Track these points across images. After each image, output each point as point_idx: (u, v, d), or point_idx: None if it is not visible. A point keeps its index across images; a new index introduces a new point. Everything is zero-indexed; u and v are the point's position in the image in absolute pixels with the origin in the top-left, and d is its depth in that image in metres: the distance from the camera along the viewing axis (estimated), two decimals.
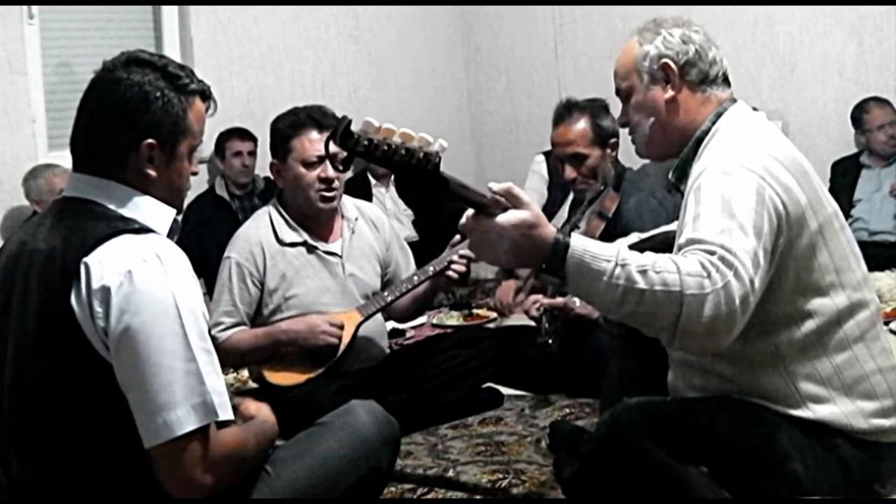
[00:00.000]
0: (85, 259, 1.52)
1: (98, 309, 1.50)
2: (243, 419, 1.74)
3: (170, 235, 1.65)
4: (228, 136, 5.00)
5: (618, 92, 2.01)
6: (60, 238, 1.56)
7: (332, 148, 1.44)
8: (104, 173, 1.62)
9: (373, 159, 1.42)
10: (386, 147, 1.41)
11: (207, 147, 5.03)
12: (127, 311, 1.48)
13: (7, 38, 4.47)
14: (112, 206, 1.61)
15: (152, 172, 1.63)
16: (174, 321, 1.50)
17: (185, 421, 1.48)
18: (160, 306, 1.50)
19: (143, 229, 1.58)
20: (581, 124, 3.25)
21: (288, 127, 2.97)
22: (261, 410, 1.78)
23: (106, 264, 1.51)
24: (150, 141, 1.61)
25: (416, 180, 1.46)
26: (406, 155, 1.42)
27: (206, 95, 1.70)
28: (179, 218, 1.71)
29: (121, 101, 1.61)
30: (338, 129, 1.39)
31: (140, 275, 1.50)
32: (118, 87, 1.62)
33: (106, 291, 1.49)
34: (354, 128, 1.40)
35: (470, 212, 1.59)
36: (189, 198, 4.88)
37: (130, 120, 1.61)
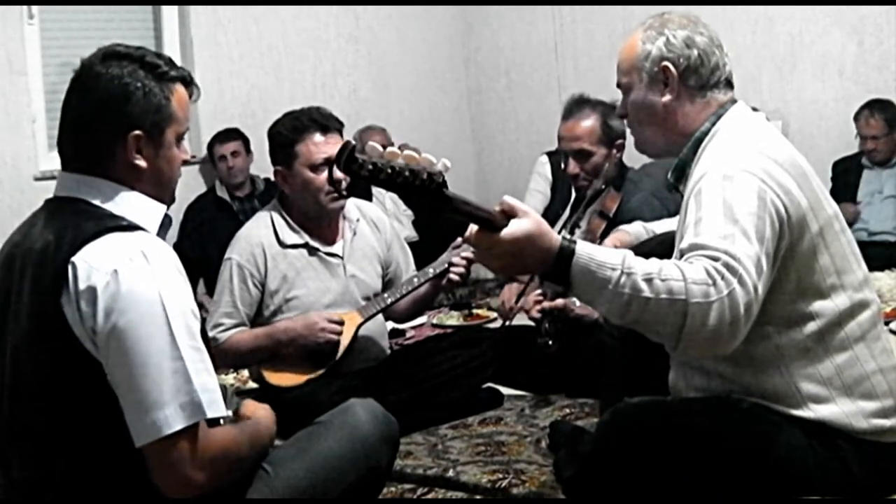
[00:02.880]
0: (72, 259, 1.52)
1: (85, 309, 1.50)
2: (243, 419, 1.74)
3: (162, 230, 1.65)
4: (213, 142, 5.01)
5: (618, 85, 2.01)
6: (51, 238, 1.56)
7: (337, 174, 1.46)
8: (92, 171, 1.62)
9: (377, 182, 1.44)
10: (390, 170, 1.43)
11: (202, 147, 5.04)
12: (113, 311, 1.48)
13: (7, 38, 4.47)
14: (101, 204, 1.61)
15: (142, 163, 1.63)
16: (161, 320, 1.50)
17: (173, 420, 1.48)
18: (147, 306, 1.49)
19: (132, 226, 1.58)
20: (590, 121, 3.25)
21: (290, 132, 2.95)
22: (257, 411, 1.78)
23: (92, 264, 1.51)
24: (136, 132, 1.61)
25: (419, 200, 1.48)
26: (410, 176, 1.44)
27: (187, 81, 1.70)
28: (170, 212, 1.71)
29: (102, 97, 1.61)
30: (342, 154, 1.41)
31: (126, 274, 1.50)
32: (98, 82, 1.62)
33: (92, 291, 1.49)
34: (358, 151, 1.42)
35: (473, 227, 1.59)
36: (190, 198, 4.93)
37: (113, 114, 1.61)
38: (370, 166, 1.42)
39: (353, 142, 1.43)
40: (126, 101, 1.61)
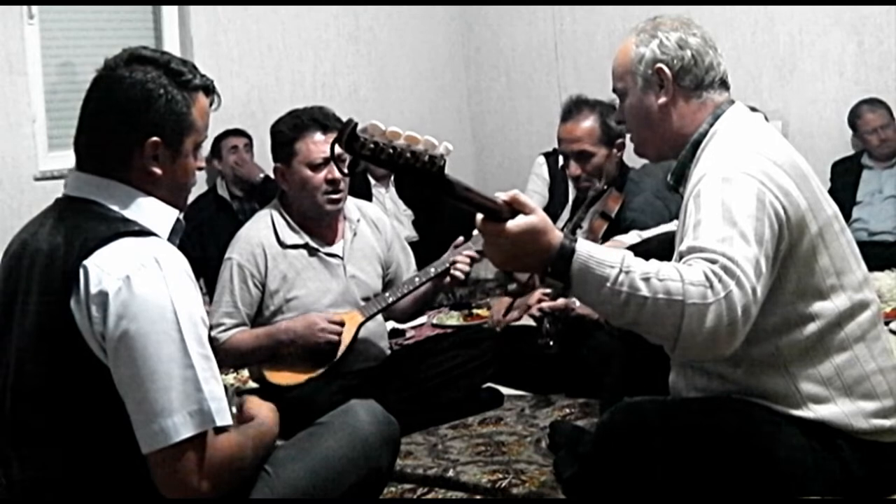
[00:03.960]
0: (84, 262, 1.51)
1: (96, 314, 1.49)
2: (246, 419, 1.74)
3: (173, 236, 1.64)
4: (222, 136, 5.04)
5: (615, 90, 2.02)
6: (61, 239, 1.56)
7: (338, 151, 1.44)
8: (107, 173, 1.62)
9: (378, 162, 1.42)
10: (391, 150, 1.41)
11: (206, 147, 5.04)
12: (124, 317, 1.48)
13: (7, 38, 4.47)
14: (113, 207, 1.60)
15: (157, 170, 1.62)
16: (172, 327, 1.49)
17: (182, 428, 1.48)
18: (158, 312, 1.49)
19: (144, 232, 1.57)
20: (589, 122, 3.26)
21: (290, 130, 2.96)
22: (261, 411, 1.77)
23: (104, 269, 1.50)
24: (154, 139, 1.61)
25: (420, 183, 1.46)
26: (411, 158, 1.42)
27: (209, 90, 1.69)
28: (182, 217, 1.70)
29: (123, 100, 1.61)
30: (344, 132, 1.39)
31: (138, 280, 1.49)
32: (120, 85, 1.61)
33: (104, 296, 1.49)
34: (360, 130, 1.40)
35: (480, 216, 1.58)
36: (190, 198, 4.93)
37: (134, 119, 1.60)
38: (371, 145, 1.39)
39: (356, 120, 1.41)
40: (148, 107, 1.60)
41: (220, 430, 1.54)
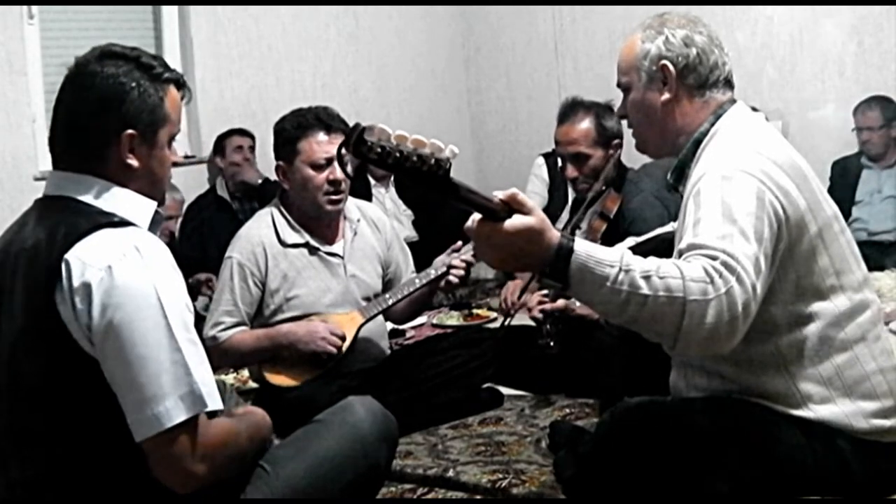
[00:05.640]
0: (66, 256, 1.52)
1: (80, 306, 1.50)
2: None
3: (152, 227, 1.65)
4: (228, 134, 5.04)
5: (619, 84, 2.01)
6: (43, 236, 1.57)
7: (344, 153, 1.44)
8: (84, 168, 1.63)
9: (385, 166, 1.42)
10: (398, 154, 1.41)
11: (206, 147, 5.05)
12: (109, 306, 1.49)
13: (7, 38, 4.46)
14: (91, 201, 1.61)
15: (134, 163, 1.64)
16: (157, 313, 1.50)
17: (174, 412, 1.49)
18: (142, 300, 1.50)
19: (123, 222, 1.59)
20: (585, 124, 3.26)
21: (294, 128, 2.96)
22: (249, 407, 1.78)
23: (86, 260, 1.51)
24: (130, 131, 1.62)
25: (426, 186, 1.46)
26: (418, 161, 1.42)
27: (180, 84, 1.72)
28: (162, 210, 1.71)
29: (98, 95, 1.63)
30: (351, 136, 1.39)
31: (120, 269, 1.50)
32: (93, 81, 1.63)
33: (87, 287, 1.49)
34: (367, 133, 1.40)
35: (475, 216, 1.58)
36: (190, 198, 4.93)
37: (109, 112, 1.62)
38: (379, 149, 1.39)
39: (363, 124, 1.41)
40: (122, 101, 1.62)
41: (211, 414, 1.54)
